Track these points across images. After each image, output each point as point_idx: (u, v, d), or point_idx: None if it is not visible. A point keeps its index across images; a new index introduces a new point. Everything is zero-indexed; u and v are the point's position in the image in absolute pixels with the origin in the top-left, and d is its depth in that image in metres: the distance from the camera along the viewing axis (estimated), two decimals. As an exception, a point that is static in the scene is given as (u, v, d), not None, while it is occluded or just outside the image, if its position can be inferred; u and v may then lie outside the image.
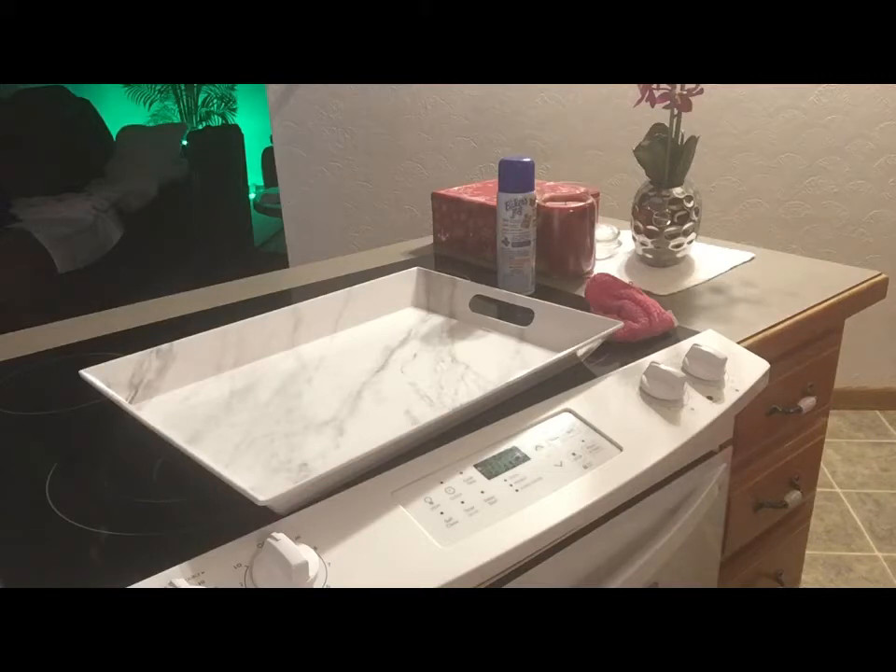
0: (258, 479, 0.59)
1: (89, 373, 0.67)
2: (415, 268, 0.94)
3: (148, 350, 0.72)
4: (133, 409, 0.63)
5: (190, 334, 0.75)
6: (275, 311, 0.82)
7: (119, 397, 0.65)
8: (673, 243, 1.05)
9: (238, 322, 0.79)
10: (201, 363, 0.75)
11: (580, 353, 0.73)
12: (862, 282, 0.97)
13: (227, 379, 0.76)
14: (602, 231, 1.11)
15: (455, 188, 1.21)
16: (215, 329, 0.77)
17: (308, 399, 0.72)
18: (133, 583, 0.47)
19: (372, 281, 0.91)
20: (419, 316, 0.91)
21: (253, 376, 0.76)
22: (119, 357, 0.70)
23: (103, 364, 0.68)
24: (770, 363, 0.78)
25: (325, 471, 0.53)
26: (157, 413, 0.69)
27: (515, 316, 0.85)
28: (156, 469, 0.62)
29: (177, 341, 0.74)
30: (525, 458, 0.62)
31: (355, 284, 0.89)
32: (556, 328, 0.79)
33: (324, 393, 0.73)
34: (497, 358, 0.79)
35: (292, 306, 0.83)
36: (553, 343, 0.78)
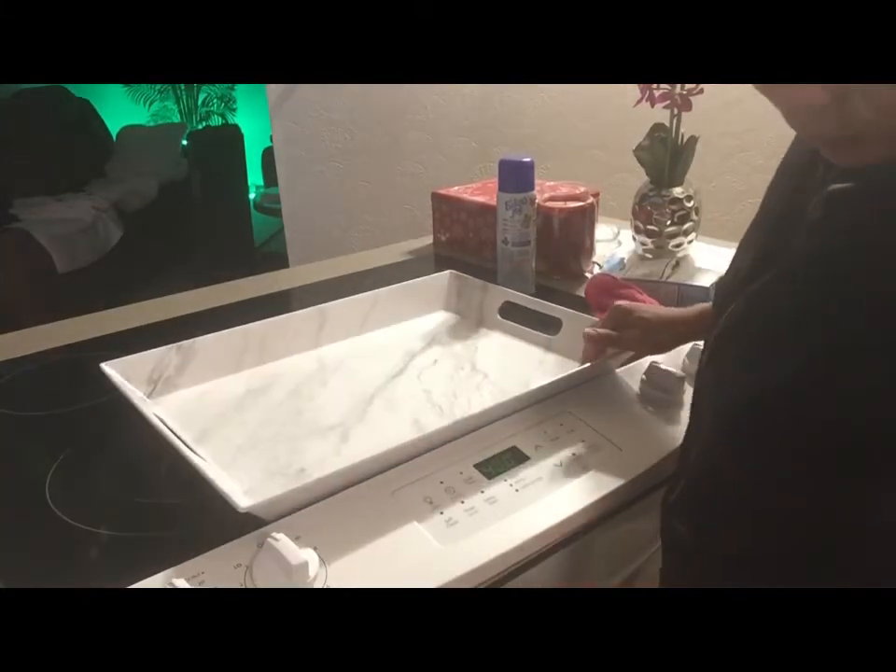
0: (253, 482, 0.59)
1: (108, 367, 0.66)
2: (448, 271, 0.92)
3: (168, 346, 0.71)
4: (141, 405, 0.62)
5: (190, 335, 0.74)
6: (300, 311, 0.80)
7: (136, 391, 0.64)
8: (673, 243, 1.05)
9: (261, 321, 0.77)
10: (221, 361, 0.74)
11: (599, 368, 0.72)
12: (862, 282, 0.97)
13: (245, 378, 0.75)
14: (602, 230, 1.11)
15: (455, 188, 1.21)
16: (238, 328, 0.76)
17: (319, 403, 0.71)
18: (133, 583, 0.47)
19: (403, 283, 0.89)
20: (447, 321, 0.89)
21: (271, 376, 0.75)
22: (119, 356, 0.70)
23: (122, 358, 0.68)
24: (770, 363, 0.77)
25: (312, 479, 0.52)
26: (171, 408, 0.68)
27: (544, 324, 0.82)
28: (156, 468, 0.61)
29: (199, 337, 0.73)
30: (525, 458, 0.62)
31: (355, 284, 0.88)
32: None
33: (336, 397, 0.72)
34: (519, 368, 0.78)
35: (318, 306, 0.81)
36: (578, 354, 0.73)
